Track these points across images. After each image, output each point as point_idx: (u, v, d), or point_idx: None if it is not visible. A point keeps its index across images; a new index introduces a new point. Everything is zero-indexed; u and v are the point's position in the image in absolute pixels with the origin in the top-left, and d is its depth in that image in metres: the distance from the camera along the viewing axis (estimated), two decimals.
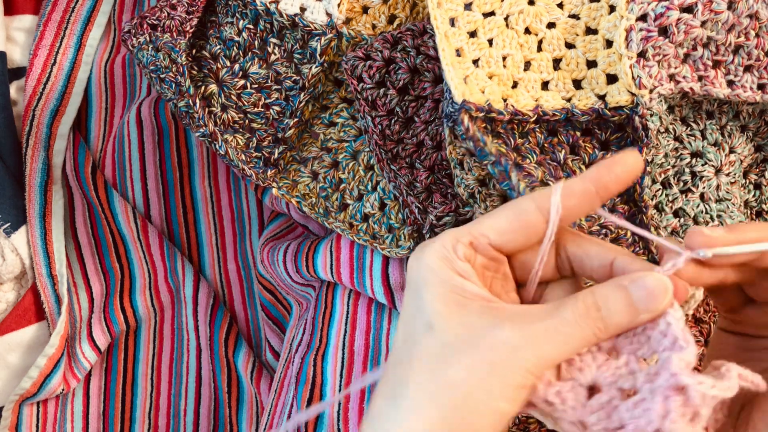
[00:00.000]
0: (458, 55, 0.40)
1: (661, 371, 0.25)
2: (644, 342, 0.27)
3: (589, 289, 0.27)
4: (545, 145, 0.40)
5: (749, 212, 0.44)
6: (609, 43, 0.40)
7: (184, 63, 0.47)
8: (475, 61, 0.40)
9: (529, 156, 0.40)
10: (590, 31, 0.41)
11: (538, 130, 0.40)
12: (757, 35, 0.40)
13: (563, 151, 0.40)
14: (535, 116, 0.39)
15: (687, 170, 0.42)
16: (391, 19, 0.47)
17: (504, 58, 0.40)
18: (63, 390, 0.53)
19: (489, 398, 0.25)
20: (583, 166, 0.40)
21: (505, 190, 0.36)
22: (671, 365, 0.25)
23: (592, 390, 0.27)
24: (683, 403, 0.24)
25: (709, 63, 0.40)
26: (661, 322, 0.27)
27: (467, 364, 0.26)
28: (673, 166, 0.42)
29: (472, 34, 0.41)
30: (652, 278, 0.27)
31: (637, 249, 0.40)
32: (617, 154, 0.29)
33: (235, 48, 0.49)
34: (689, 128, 0.42)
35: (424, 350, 0.27)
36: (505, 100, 0.39)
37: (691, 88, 0.39)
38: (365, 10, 0.46)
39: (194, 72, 0.48)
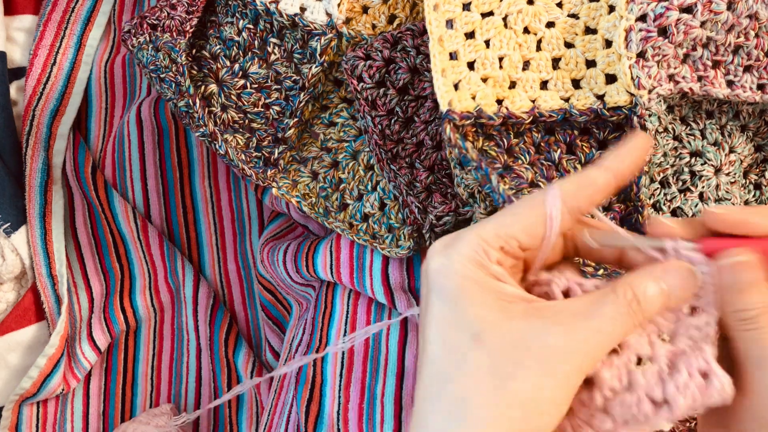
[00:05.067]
0: (454, 58, 0.40)
1: (691, 350, 0.28)
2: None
3: (626, 282, 0.28)
4: (541, 144, 0.40)
5: None
6: (608, 43, 0.40)
7: (184, 63, 0.47)
8: (471, 64, 0.40)
9: (522, 157, 0.40)
10: (589, 30, 0.41)
11: (534, 129, 0.40)
12: (756, 35, 0.40)
13: (559, 150, 0.40)
14: (531, 118, 0.39)
15: (686, 169, 0.42)
16: (391, 19, 0.47)
17: (501, 59, 0.40)
18: (63, 390, 0.53)
19: (552, 404, 0.26)
20: (579, 166, 0.40)
21: (490, 193, 0.37)
22: (705, 352, 0.28)
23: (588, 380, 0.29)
24: (703, 389, 0.27)
25: (709, 63, 0.40)
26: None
27: (529, 376, 0.26)
28: (672, 166, 0.42)
29: (469, 35, 0.41)
30: (682, 268, 0.28)
31: None
32: (628, 142, 0.30)
33: (235, 48, 0.49)
34: (689, 128, 0.42)
35: (477, 363, 0.26)
36: (500, 102, 0.40)
37: (691, 89, 0.39)
38: (365, 10, 0.46)
39: (194, 72, 0.49)
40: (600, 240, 0.30)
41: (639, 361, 0.28)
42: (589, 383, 0.28)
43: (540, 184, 0.39)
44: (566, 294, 0.30)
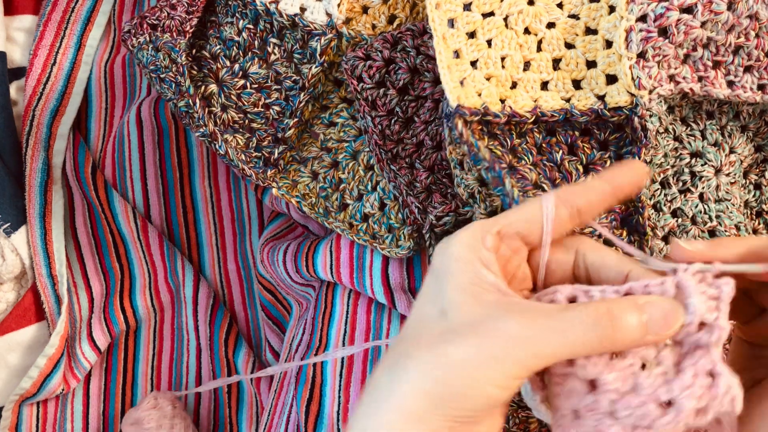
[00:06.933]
0: (456, 56, 0.40)
1: (697, 352, 0.28)
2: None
3: (606, 301, 0.28)
4: (543, 145, 0.40)
5: (749, 212, 0.44)
6: (609, 44, 0.40)
7: (184, 63, 0.47)
8: (474, 63, 0.40)
9: (526, 157, 0.40)
10: (590, 31, 0.41)
11: (536, 130, 0.40)
12: (757, 36, 0.40)
13: (561, 152, 0.40)
14: (533, 117, 0.39)
15: (686, 170, 0.42)
16: (391, 19, 0.47)
17: (503, 59, 0.40)
18: (63, 390, 0.53)
19: (482, 382, 0.26)
20: (580, 167, 0.40)
21: (499, 195, 0.37)
22: (712, 353, 0.27)
23: (593, 385, 0.29)
24: (708, 390, 0.27)
25: (709, 63, 0.40)
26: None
27: (467, 346, 0.26)
28: (673, 166, 0.42)
29: (471, 35, 0.41)
30: (668, 303, 0.28)
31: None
32: (628, 162, 0.32)
33: (235, 48, 0.49)
34: (689, 128, 0.42)
35: (430, 330, 0.27)
36: (503, 101, 0.40)
37: (691, 89, 0.39)
38: (365, 10, 0.46)
39: (194, 72, 0.49)
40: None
41: (643, 367, 0.28)
42: (595, 388, 0.28)
43: (544, 185, 0.39)
44: (572, 301, 0.30)
